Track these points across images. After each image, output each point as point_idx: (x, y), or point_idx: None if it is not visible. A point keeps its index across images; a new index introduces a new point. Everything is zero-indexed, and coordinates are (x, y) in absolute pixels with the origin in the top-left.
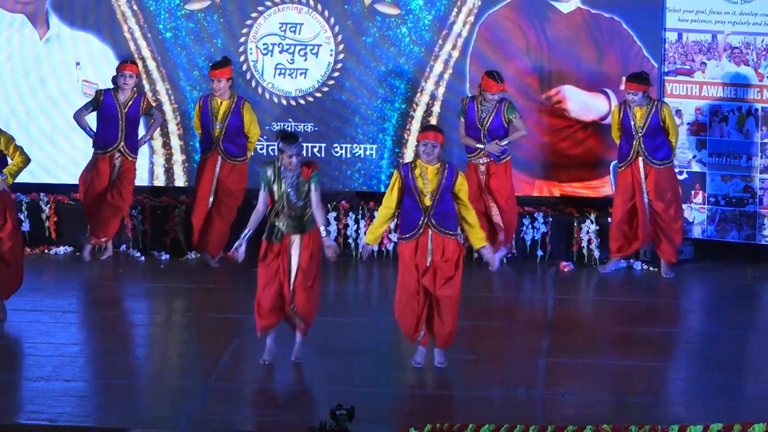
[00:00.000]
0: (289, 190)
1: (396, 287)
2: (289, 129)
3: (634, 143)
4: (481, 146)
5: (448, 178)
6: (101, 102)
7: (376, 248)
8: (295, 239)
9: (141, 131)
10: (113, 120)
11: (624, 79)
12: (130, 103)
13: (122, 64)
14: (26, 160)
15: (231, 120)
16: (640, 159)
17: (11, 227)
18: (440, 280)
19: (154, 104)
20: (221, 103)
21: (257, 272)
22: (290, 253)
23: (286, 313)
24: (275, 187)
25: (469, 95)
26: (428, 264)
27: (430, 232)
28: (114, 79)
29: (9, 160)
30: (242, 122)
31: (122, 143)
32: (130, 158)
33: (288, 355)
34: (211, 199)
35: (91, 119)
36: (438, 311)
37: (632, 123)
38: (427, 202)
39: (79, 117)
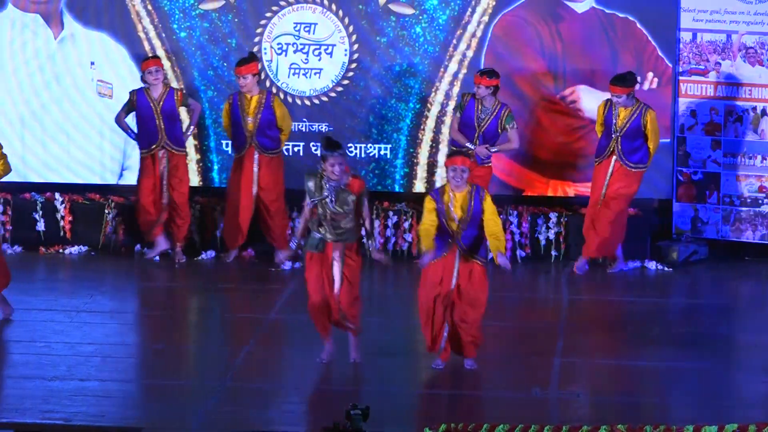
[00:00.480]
0: (328, 198)
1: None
2: (331, 136)
3: (612, 141)
4: (471, 147)
5: (476, 204)
6: (135, 102)
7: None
8: (338, 249)
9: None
10: (150, 118)
11: (633, 80)
12: (164, 97)
13: (145, 62)
14: (7, 170)
15: (263, 114)
16: (614, 158)
17: None
18: (465, 301)
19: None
20: (251, 98)
21: (306, 280)
22: (332, 263)
23: (335, 318)
24: (317, 196)
25: (471, 93)
26: (452, 287)
27: (457, 255)
28: (143, 78)
29: None
30: (274, 116)
31: (164, 139)
32: (177, 153)
33: (305, 355)
34: (254, 193)
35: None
36: (461, 328)
37: (614, 121)
38: (455, 227)
39: (119, 121)
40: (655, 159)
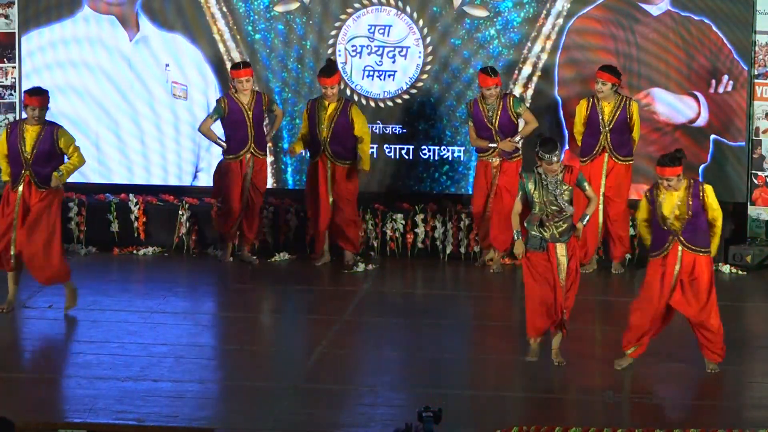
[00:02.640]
0: (557, 197)
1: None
2: (546, 135)
3: (600, 138)
4: (494, 145)
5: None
6: (227, 108)
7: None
8: (560, 247)
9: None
10: (242, 124)
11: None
12: (253, 103)
13: (236, 70)
14: (82, 162)
15: (338, 121)
16: (606, 154)
17: (43, 219)
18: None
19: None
20: (328, 105)
21: (525, 283)
22: (558, 261)
23: (555, 317)
24: (536, 196)
25: (472, 99)
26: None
27: (681, 249)
28: (231, 85)
29: (66, 159)
30: (350, 124)
31: (252, 144)
32: (261, 157)
33: (377, 356)
34: (330, 201)
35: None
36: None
37: (600, 117)
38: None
39: (206, 130)
40: (730, 162)
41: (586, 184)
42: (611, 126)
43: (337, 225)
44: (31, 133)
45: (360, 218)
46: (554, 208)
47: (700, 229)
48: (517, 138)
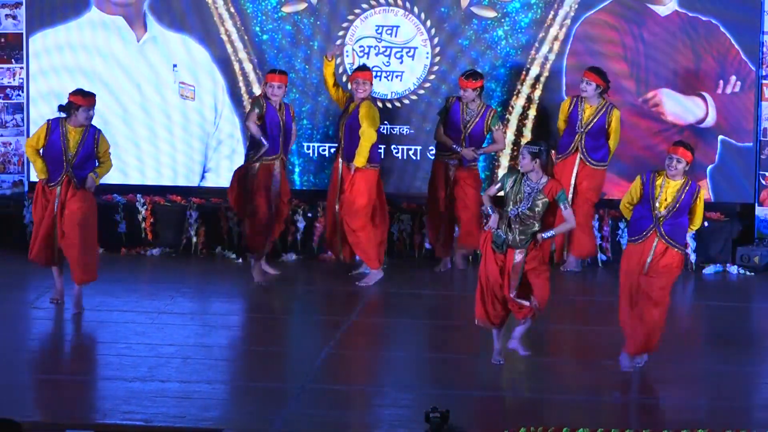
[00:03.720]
0: (530, 203)
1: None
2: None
3: (576, 138)
4: (458, 149)
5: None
6: (265, 109)
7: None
8: (518, 254)
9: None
10: (275, 127)
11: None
12: (283, 112)
13: (271, 74)
14: (110, 167)
15: (348, 121)
16: (578, 155)
17: (83, 219)
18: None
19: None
20: (352, 105)
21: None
22: (513, 266)
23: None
24: (512, 194)
25: (456, 96)
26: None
27: (657, 240)
28: (263, 90)
29: (96, 162)
30: (358, 122)
31: (282, 153)
32: (287, 165)
33: (385, 357)
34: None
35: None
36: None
37: (579, 118)
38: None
39: (251, 123)
40: (737, 163)
41: (565, 203)
42: (587, 129)
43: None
44: (74, 135)
45: (370, 224)
46: (523, 213)
47: (680, 227)
48: (480, 151)
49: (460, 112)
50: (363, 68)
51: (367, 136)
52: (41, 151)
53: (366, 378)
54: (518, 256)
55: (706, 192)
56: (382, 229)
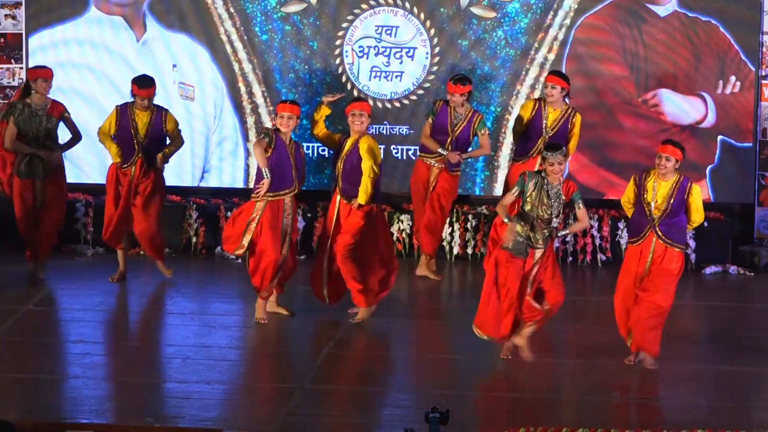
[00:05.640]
0: (552, 206)
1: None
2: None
3: (539, 141)
4: (443, 153)
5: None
6: (274, 140)
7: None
8: (538, 252)
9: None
10: (285, 160)
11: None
12: (293, 147)
13: (282, 104)
14: (182, 144)
15: (347, 157)
16: (539, 158)
17: (156, 199)
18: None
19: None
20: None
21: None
22: (534, 267)
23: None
24: (532, 198)
25: (443, 99)
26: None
27: (655, 240)
28: (274, 121)
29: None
30: (358, 157)
31: (296, 187)
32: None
33: (384, 358)
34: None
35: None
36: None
37: (544, 122)
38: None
39: (261, 152)
40: (737, 163)
41: (580, 202)
42: (552, 133)
43: None
44: (142, 118)
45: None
46: (545, 215)
47: (677, 227)
48: (465, 155)
49: (447, 116)
50: (359, 99)
51: (371, 172)
52: (113, 137)
53: (366, 378)
54: (538, 253)
55: (706, 192)
56: (388, 269)
